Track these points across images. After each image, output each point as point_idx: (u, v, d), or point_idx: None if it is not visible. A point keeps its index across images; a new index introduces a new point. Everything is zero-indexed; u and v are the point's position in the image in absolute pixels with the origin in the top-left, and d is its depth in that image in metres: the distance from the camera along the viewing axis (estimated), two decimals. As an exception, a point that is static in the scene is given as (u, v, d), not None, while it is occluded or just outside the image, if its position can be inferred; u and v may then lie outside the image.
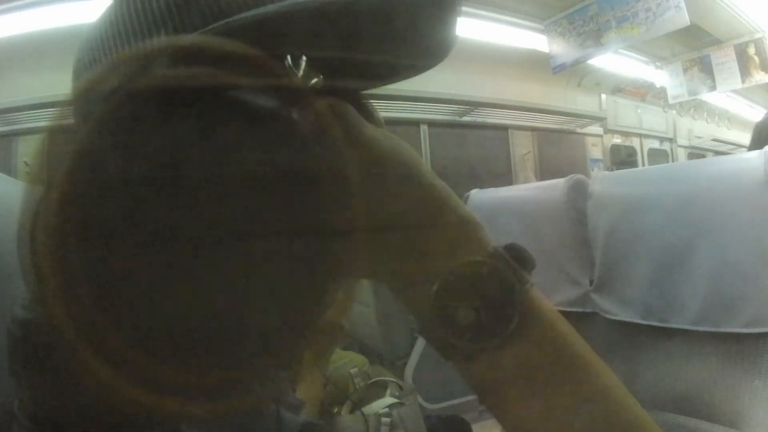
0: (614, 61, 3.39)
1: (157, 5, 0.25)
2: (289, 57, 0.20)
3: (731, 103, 4.42)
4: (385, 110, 2.72)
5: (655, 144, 4.44)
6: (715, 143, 4.70)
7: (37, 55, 1.79)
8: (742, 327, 0.80)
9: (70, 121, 0.19)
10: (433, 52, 0.27)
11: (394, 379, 1.08)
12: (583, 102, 3.79)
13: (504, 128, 3.40)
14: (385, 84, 0.29)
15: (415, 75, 0.29)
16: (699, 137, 4.66)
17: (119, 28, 0.25)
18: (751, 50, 3.26)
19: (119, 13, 0.26)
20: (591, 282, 1.13)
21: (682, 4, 2.53)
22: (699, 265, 0.86)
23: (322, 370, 0.80)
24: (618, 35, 2.84)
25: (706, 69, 3.53)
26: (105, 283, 0.17)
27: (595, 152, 3.94)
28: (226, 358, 0.18)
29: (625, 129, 4.17)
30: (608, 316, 1.04)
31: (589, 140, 3.92)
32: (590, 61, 3.14)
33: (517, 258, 0.23)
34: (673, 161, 4.35)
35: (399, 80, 0.30)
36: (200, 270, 0.18)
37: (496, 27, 2.85)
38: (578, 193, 1.16)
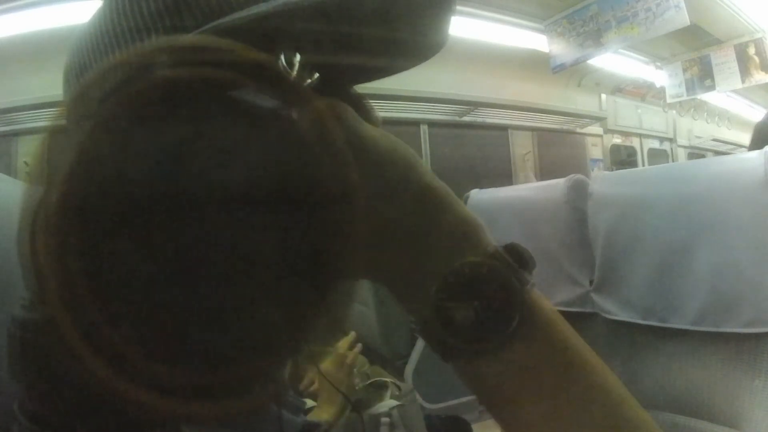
0: (614, 61, 3.39)
1: (147, 8, 0.25)
2: (282, 56, 0.20)
3: (731, 103, 4.42)
4: (385, 110, 2.72)
5: (655, 144, 4.44)
6: (715, 143, 4.70)
7: (37, 55, 1.79)
8: (742, 327, 0.80)
9: (67, 123, 0.19)
10: (429, 46, 0.28)
11: (394, 380, 1.08)
12: (583, 102, 3.79)
13: (504, 128, 3.40)
14: (378, 78, 0.29)
15: (409, 69, 0.29)
16: (699, 137, 4.66)
17: (111, 32, 0.25)
18: (751, 50, 3.26)
19: (110, 17, 0.26)
20: (591, 282, 1.13)
21: (682, 4, 2.53)
22: (699, 265, 0.86)
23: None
24: (618, 35, 2.84)
25: (706, 69, 3.53)
26: (105, 283, 0.17)
27: (595, 152, 3.94)
28: (226, 359, 0.18)
29: (625, 129, 4.17)
30: (608, 316, 1.04)
31: (589, 140, 3.92)
32: (590, 61, 3.14)
33: (518, 258, 0.23)
34: (673, 161, 4.35)
35: (392, 74, 0.30)
36: (200, 270, 0.18)
37: (496, 27, 2.85)
38: (578, 193, 1.16)
